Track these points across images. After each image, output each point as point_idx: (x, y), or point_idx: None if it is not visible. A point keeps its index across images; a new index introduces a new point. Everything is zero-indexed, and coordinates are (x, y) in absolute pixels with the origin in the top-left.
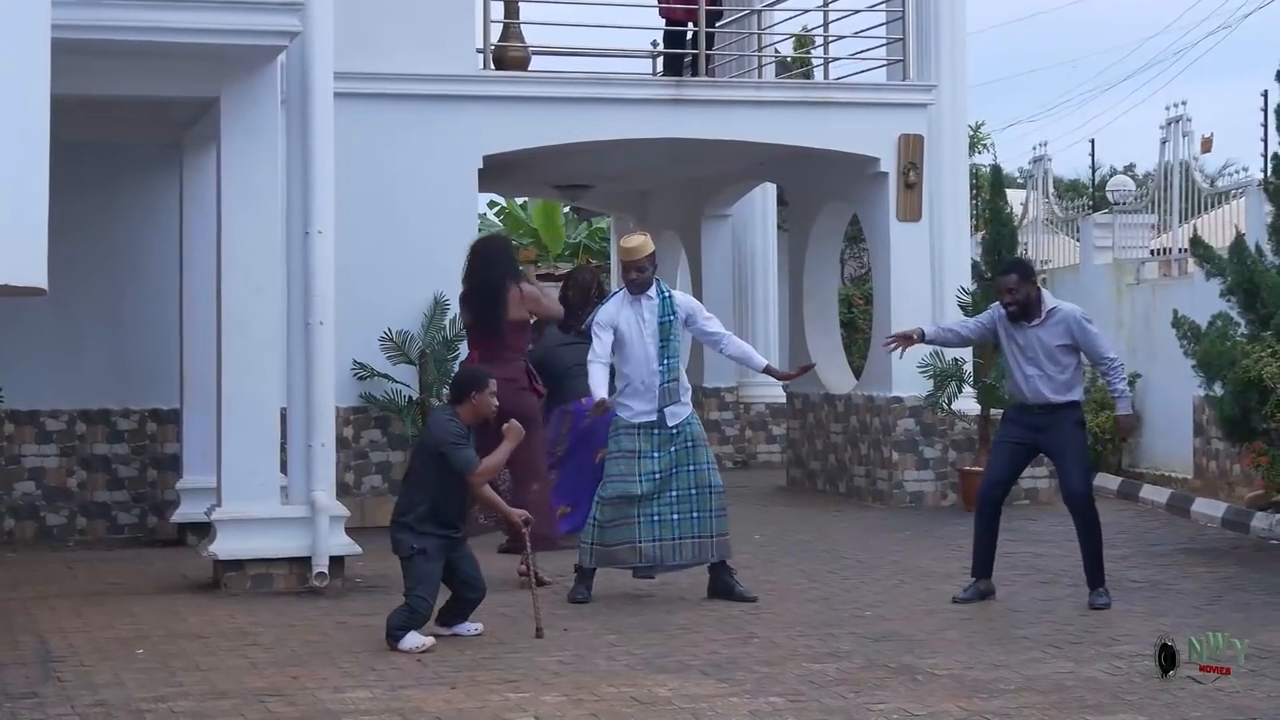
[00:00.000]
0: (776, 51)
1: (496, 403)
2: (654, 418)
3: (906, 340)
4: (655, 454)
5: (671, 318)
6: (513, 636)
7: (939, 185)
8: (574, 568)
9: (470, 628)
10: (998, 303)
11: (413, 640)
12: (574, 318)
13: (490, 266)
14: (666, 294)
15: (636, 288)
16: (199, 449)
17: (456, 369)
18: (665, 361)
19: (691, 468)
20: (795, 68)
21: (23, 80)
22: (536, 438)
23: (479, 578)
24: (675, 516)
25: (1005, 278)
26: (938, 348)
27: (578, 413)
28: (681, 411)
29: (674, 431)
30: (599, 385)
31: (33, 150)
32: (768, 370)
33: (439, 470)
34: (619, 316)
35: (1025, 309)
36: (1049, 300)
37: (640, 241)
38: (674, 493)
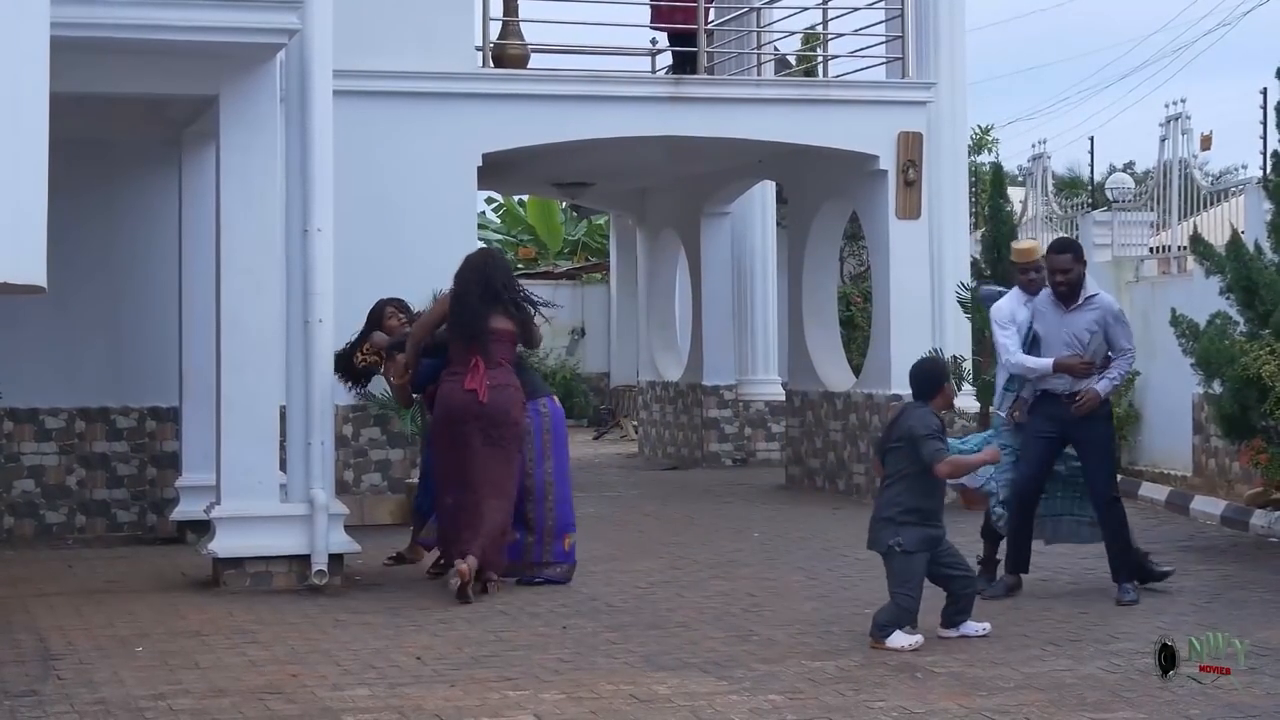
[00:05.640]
0: (776, 50)
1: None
2: None
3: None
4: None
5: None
6: (512, 634)
7: (938, 183)
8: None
9: (976, 628)
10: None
11: (900, 639)
12: None
13: (493, 280)
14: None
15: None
16: (198, 447)
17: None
18: None
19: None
20: (795, 65)
21: (21, 78)
22: (515, 454)
23: (967, 567)
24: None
25: (1060, 257)
26: (937, 348)
27: None
28: None
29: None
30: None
31: (32, 148)
32: None
33: (912, 462)
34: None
35: (1073, 290)
36: (1091, 285)
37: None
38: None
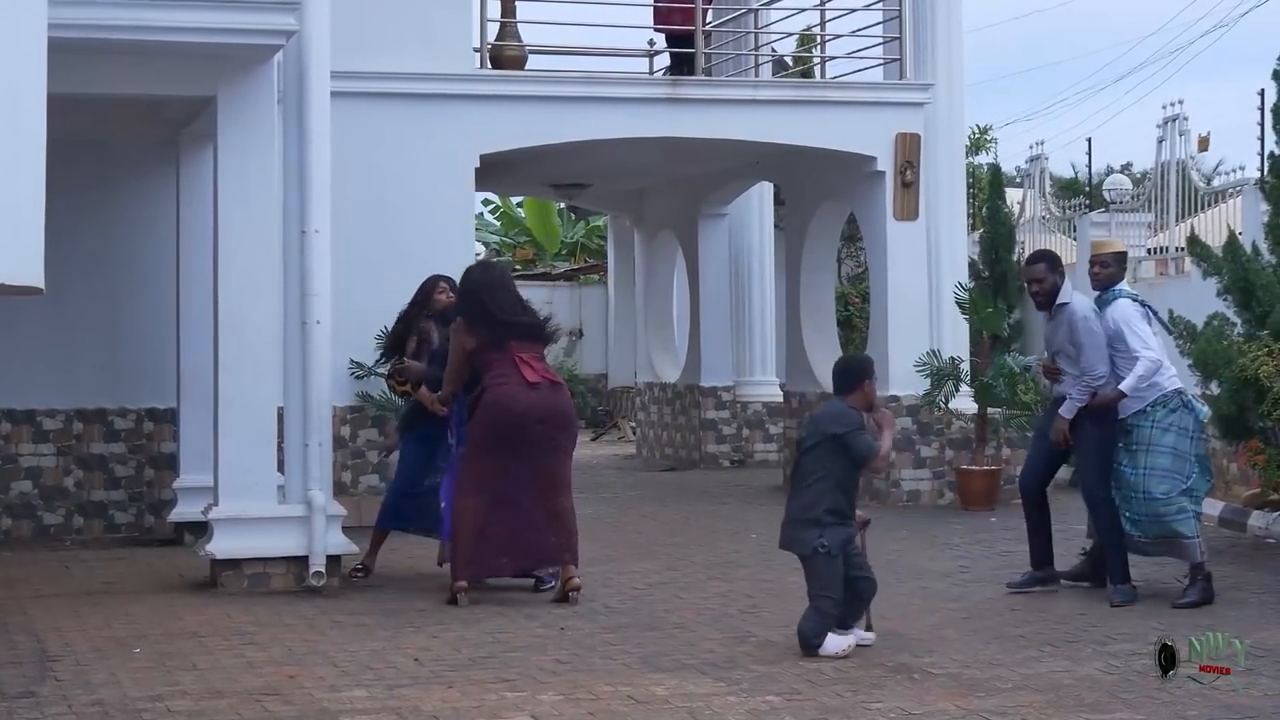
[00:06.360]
0: (773, 51)
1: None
2: None
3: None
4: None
5: None
6: (510, 635)
7: (936, 184)
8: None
9: (866, 636)
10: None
11: (835, 643)
12: None
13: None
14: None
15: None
16: (196, 448)
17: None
18: None
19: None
20: (792, 67)
21: (19, 79)
22: (570, 452)
23: (869, 570)
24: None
25: (1033, 267)
26: (934, 349)
27: None
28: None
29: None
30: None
31: (29, 149)
32: None
33: (835, 458)
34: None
35: (1048, 299)
36: (1063, 294)
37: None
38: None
